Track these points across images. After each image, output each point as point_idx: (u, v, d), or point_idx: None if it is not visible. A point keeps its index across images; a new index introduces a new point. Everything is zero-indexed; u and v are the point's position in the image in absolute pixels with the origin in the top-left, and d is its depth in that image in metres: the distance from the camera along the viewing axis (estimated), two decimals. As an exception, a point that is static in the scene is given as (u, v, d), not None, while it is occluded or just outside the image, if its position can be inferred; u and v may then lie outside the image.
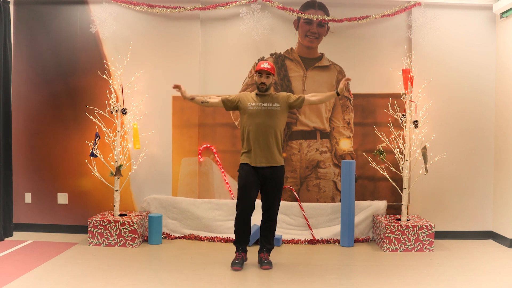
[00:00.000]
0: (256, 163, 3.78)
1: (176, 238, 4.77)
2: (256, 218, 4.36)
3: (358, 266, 3.96)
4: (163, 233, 4.76)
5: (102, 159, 4.69)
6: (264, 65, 3.81)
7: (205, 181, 4.96)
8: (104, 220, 4.45)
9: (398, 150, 4.67)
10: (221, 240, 4.67)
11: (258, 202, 4.05)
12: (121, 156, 4.70)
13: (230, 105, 3.91)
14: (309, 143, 4.92)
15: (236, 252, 3.89)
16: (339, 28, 4.89)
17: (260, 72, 3.82)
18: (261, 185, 3.84)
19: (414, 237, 4.40)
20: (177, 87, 3.88)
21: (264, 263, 3.85)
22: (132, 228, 4.44)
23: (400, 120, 4.69)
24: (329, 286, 3.45)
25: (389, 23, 4.89)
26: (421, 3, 4.82)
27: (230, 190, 4.90)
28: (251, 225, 4.60)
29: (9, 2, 4.84)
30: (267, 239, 3.93)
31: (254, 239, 4.50)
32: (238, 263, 3.78)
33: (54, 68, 4.95)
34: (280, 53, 4.91)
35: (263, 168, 3.79)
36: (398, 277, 3.66)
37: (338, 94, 3.91)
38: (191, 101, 3.91)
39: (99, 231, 4.45)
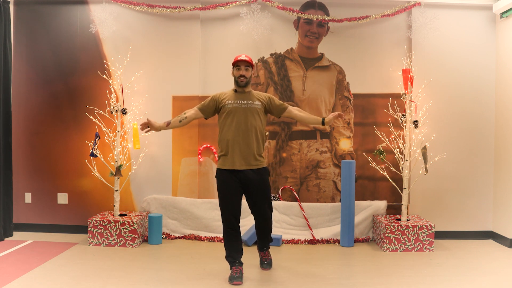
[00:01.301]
0: (234, 166, 3.47)
1: (176, 238, 4.77)
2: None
3: (358, 266, 3.96)
4: (163, 233, 4.76)
5: (102, 159, 4.69)
6: (242, 57, 3.51)
7: (205, 181, 4.96)
8: (104, 220, 4.45)
9: (398, 150, 4.67)
10: (221, 240, 4.67)
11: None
12: (121, 156, 4.70)
13: (209, 110, 3.61)
14: (309, 143, 4.92)
15: (232, 267, 3.53)
16: (339, 28, 4.89)
17: (237, 64, 3.51)
18: (243, 190, 3.55)
19: (414, 237, 4.40)
20: (146, 124, 3.50)
21: (264, 264, 3.81)
22: (132, 228, 4.44)
23: (400, 120, 4.69)
24: (329, 286, 3.45)
25: (389, 23, 4.89)
26: (421, 3, 4.82)
27: (230, 190, 4.89)
28: (250, 226, 4.62)
29: (9, 2, 4.84)
30: (265, 238, 3.81)
31: (253, 240, 4.49)
32: (238, 277, 3.44)
33: (54, 68, 4.95)
34: (280, 53, 4.91)
35: (243, 171, 3.49)
36: (398, 277, 3.66)
37: (323, 123, 3.59)
38: (168, 128, 3.57)
39: (99, 231, 4.45)
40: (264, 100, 3.62)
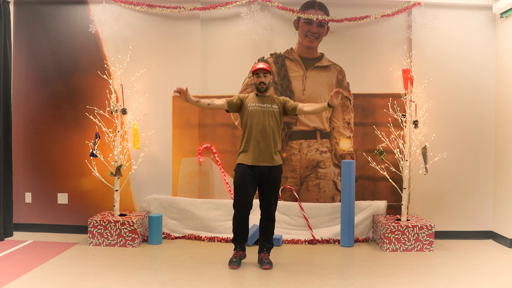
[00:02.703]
0: (254, 162, 3.80)
1: (176, 238, 4.77)
2: (255, 219, 4.36)
3: (358, 266, 3.96)
4: (163, 233, 4.77)
5: (102, 159, 4.69)
6: (260, 65, 3.86)
7: (205, 181, 4.96)
8: (104, 220, 4.45)
9: (398, 150, 4.67)
10: (221, 240, 4.67)
11: (256, 202, 4.05)
12: (121, 156, 4.70)
13: (234, 107, 3.90)
14: (309, 143, 4.92)
15: (234, 250, 3.93)
16: (339, 28, 4.89)
17: (257, 72, 3.87)
18: (258, 184, 3.87)
19: (414, 237, 4.40)
20: (179, 91, 3.60)
21: (265, 263, 3.85)
22: (132, 228, 4.44)
23: (400, 120, 4.69)
24: (329, 286, 3.45)
25: (389, 23, 4.89)
26: (421, 3, 4.82)
27: (230, 190, 4.90)
28: (251, 226, 4.62)
29: (9, 2, 4.84)
30: (267, 237, 3.95)
31: (253, 240, 4.50)
32: (235, 262, 3.83)
33: (54, 68, 4.95)
34: (280, 53, 4.91)
35: (261, 167, 3.81)
36: (398, 277, 3.66)
37: (329, 106, 3.72)
38: (196, 104, 3.77)
39: (99, 231, 4.45)
40: (280, 104, 3.94)
